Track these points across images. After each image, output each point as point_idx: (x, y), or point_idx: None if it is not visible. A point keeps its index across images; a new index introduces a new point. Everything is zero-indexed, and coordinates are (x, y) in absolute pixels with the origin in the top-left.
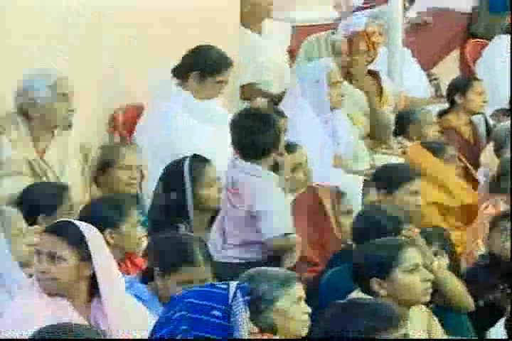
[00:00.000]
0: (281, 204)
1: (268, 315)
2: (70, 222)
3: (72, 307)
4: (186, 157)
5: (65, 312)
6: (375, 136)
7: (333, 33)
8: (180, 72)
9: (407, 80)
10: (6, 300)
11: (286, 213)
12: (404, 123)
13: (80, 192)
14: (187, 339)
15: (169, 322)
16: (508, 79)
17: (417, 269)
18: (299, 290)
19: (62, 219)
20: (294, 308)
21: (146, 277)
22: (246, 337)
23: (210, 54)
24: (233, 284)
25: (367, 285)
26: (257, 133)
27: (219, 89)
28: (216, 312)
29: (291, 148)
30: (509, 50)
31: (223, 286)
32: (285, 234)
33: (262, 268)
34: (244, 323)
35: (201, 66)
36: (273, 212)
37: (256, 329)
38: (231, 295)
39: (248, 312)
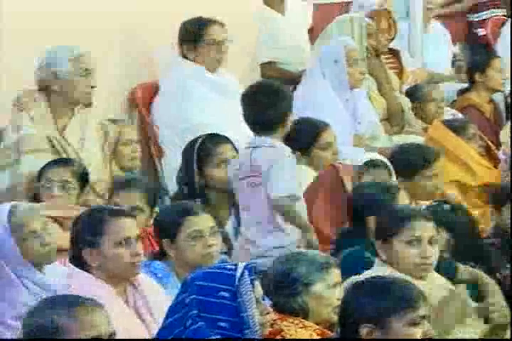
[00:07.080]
0: (293, 172)
1: (303, 297)
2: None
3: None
4: (201, 136)
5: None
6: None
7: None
8: (183, 48)
9: (431, 56)
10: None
11: (295, 180)
12: (410, 99)
13: (99, 170)
14: (192, 339)
15: (181, 306)
16: None
17: None
18: (336, 275)
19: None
20: (329, 293)
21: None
22: (255, 317)
23: (189, 22)
24: (241, 264)
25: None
26: (267, 108)
27: (219, 53)
28: (224, 294)
29: (320, 127)
30: None
31: (231, 267)
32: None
33: (301, 250)
34: (252, 303)
35: (187, 33)
36: (284, 176)
37: (270, 310)
38: (238, 275)
39: (255, 293)
